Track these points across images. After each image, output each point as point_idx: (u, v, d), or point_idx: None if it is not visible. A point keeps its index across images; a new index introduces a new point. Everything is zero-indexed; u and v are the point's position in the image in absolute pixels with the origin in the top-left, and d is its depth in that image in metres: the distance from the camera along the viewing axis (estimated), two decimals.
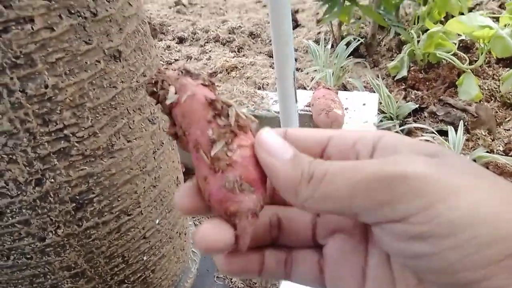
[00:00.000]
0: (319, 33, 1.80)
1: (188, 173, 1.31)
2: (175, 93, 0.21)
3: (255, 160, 0.22)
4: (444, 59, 1.38)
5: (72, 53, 0.40)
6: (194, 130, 0.21)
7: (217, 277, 0.86)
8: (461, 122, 1.07)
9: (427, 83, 1.40)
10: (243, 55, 1.80)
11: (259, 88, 1.49)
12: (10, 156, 0.39)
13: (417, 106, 1.25)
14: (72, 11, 0.40)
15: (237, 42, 1.87)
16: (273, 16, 0.65)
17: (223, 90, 1.20)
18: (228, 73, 1.62)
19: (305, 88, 1.38)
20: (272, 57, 1.85)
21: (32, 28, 0.37)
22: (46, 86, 0.39)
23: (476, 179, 0.19)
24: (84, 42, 0.41)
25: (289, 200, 0.21)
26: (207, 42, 1.90)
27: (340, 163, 0.21)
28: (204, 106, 0.21)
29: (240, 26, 1.99)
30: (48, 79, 0.39)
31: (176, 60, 1.77)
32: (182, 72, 0.22)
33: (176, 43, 1.91)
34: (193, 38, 1.94)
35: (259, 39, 1.95)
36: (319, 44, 1.50)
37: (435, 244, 0.18)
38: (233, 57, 1.74)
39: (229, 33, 1.94)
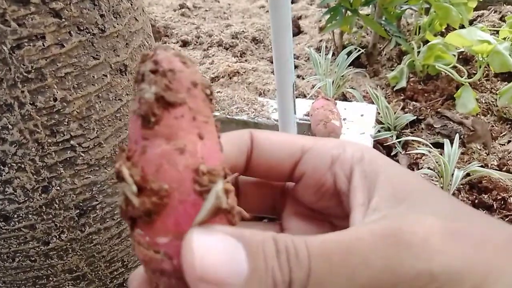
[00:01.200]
0: (321, 40, 1.82)
1: None
2: None
3: None
4: (443, 71, 1.40)
5: (80, 68, 0.42)
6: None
7: None
8: (457, 136, 1.09)
9: (426, 94, 1.42)
10: (246, 60, 1.82)
11: (260, 94, 1.51)
12: (19, 165, 0.41)
13: (415, 117, 1.27)
14: (81, 28, 0.42)
15: (240, 47, 1.89)
16: (275, 33, 0.67)
17: (224, 96, 1.22)
18: (230, 78, 1.64)
19: (305, 96, 1.40)
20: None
21: (43, 45, 0.39)
22: (55, 99, 0.41)
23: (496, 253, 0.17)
24: (92, 57, 0.43)
25: None
26: (211, 46, 1.92)
27: (325, 250, 0.15)
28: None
29: (243, 31, 2.01)
30: (57, 92, 0.41)
31: None
32: None
33: (180, 46, 1.93)
34: (197, 42, 1.96)
35: (262, 44, 1.97)
36: (320, 52, 1.52)
37: None
38: (236, 62, 1.77)
39: (232, 38, 1.96)
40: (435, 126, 1.25)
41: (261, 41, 1.98)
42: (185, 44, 1.96)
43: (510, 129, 1.24)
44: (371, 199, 0.19)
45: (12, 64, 0.38)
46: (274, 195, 0.25)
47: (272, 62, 1.89)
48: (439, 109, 1.33)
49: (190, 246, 0.15)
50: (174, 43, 1.94)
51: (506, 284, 0.16)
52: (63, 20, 0.40)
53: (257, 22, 2.13)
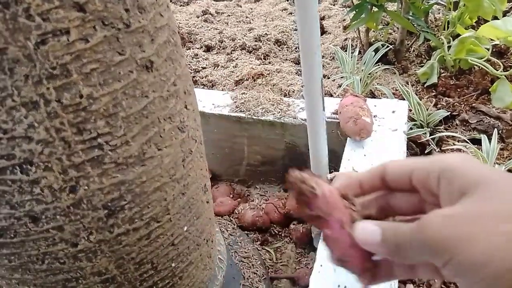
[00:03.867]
0: (345, 39, 1.79)
1: (214, 179, 1.32)
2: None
3: None
4: (476, 65, 1.34)
5: (106, 64, 0.41)
6: (337, 214, 0.31)
7: (243, 285, 0.86)
8: (495, 131, 1.04)
9: (458, 90, 1.36)
10: (269, 62, 1.81)
11: (285, 95, 1.49)
12: (46, 164, 0.40)
13: (448, 113, 1.22)
14: (106, 23, 0.41)
15: (263, 50, 1.88)
16: (302, 27, 0.64)
17: (249, 98, 1.20)
18: (254, 80, 1.63)
19: (331, 95, 1.37)
20: (298, 64, 1.86)
21: (68, 40, 0.38)
22: (81, 96, 0.40)
23: None
24: (118, 53, 0.42)
25: (393, 258, 0.30)
26: (234, 50, 1.91)
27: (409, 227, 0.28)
28: (339, 197, 0.32)
29: (266, 34, 2.00)
30: (83, 89, 0.40)
31: (203, 68, 1.79)
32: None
33: (204, 51, 1.94)
34: (220, 46, 1.96)
35: (285, 46, 1.96)
36: (345, 51, 1.48)
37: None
38: (259, 65, 1.75)
39: (256, 41, 1.95)
40: (470, 121, 1.20)
41: (284, 43, 1.96)
42: (208, 49, 1.97)
43: None
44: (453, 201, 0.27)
45: (37, 60, 0.37)
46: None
47: (296, 64, 1.87)
48: (473, 104, 1.27)
49: (357, 227, 0.31)
50: (198, 48, 1.95)
51: None
52: (88, 14, 0.39)
53: (279, 25, 2.11)
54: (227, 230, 1.03)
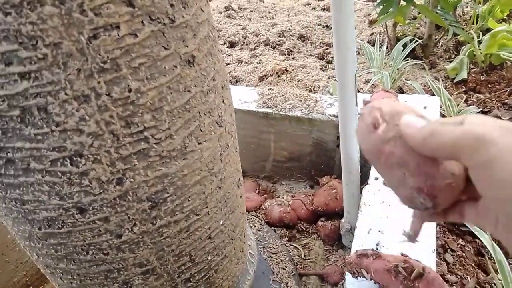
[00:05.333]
0: (371, 34, 1.77)
1: (244, 175, 1.32)
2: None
3: None
4: (508, 60, 1.31)
5: (153, 58, 0.42)
6: None
7: (272, 280, 0.86)
8: None
9: (489, 85, 1.33)
10: (293, 58, 1.80)
11: (310, 91, 1.48)
12: (95, 156, 0.41)
13: (479, 110, 1.19)
14: (153, 18, 0.41)
15: (287, 45, 1.87)
16: (336, 23, 0.64)
17: (276, 93, 1.20)
18: (279, 76, 1.63)
19: (359, 91, 1.35)
20: (323, 60, 1.84)
21: (118, 34, 0.39)
22: (130, 90, 0.40)
23: None
24: (163, 47, 0.43)
25: (420, 148, 0.31)
26: (257, 46, 1.91)
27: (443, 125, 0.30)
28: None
29: (289, 29, 1.99)
30: (132, 83, 0.40)
31: (227, 64, 1.79)
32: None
33: (227, 47, 1.94)
34: (244, 42, 1.96)
35: (309, 41, 1.94)
36: (373, 46, 1.46)
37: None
38: (283, 60, 1.75)
39: (279, 36, 1.95)
40: (503, 118, 1.17)
41: (308, 38, 1.95)
42: (232, 45, 1.97)
43: None
44: None
45: (89, 55, 0.38)
46: None
47: (320, 59, 1.85)
48: (506, 100, 1.24)
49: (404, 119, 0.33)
50: (221, 44, 1.95)
51: None
52: (136, 9, 0.39)
53: (303, 20, 2.10)
54: (255, 226, 1.03)
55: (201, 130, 0.50)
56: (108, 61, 0.39)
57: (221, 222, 0.60)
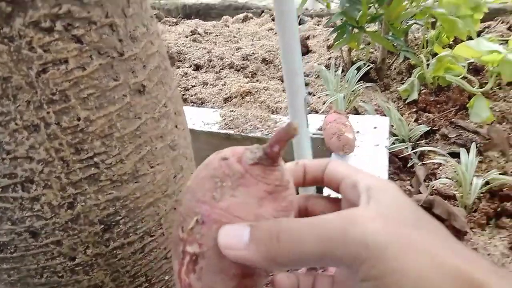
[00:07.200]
0: (329, 58, 1.85)
1: None
2: None
3: None
4: (454, 82, 1.41)
5: (102, 89, 0.45)
6: None
7: None
8: (473, 144, 1.09)
9: (438, 105, 1.42)
10: (257, 80, 1.86)
11: (272, 112, 1.53)
12: (46, 182, 0.43)
13: (429, 128, 1.27)
14: (102, 52, 0.44)
15: (251, 68, 1.93)
16: (284, 51, 0.69)
17: (237, 115, 1.24)
18: (243, 98, 1.67)
19: (317, 112, 1.42)
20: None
21: (67, 68, 0.42)
22: (79, 119, 0.43)
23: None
24: (112, 79, 0.46)
25: (270, 269, 0.28)
26: (222, 69, 1.96)
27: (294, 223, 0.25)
28: None
29: (253, 53, 2.06)
30: (81, 112, 0.43)
31: (193, 86, 1.83)
32: None
33: (193, 70, 1.98)
34: (209, 65, 2.01)
35: (272, 65, 2.01)
36: (329, 69, 1.54)
37: None
38: (247, 83, 1.80)
39: (243, 60, 2.01)
40: (449, 136, 1.25)
41: (271, 62, 2.02)
42: (198, 67, 2.01)
43: None
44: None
45: (38, 87, 0.40)
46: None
47: (282, 81, 1.92)
48: (452, 119, 1.32)
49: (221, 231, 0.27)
50: (187, 67, 1.99)
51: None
52: (85, 45, 0.42)
53: (266, 44, 2.18)
54: None
55: (153, 154, 0.53)
56: (57, 92, 0.41)
57: None
